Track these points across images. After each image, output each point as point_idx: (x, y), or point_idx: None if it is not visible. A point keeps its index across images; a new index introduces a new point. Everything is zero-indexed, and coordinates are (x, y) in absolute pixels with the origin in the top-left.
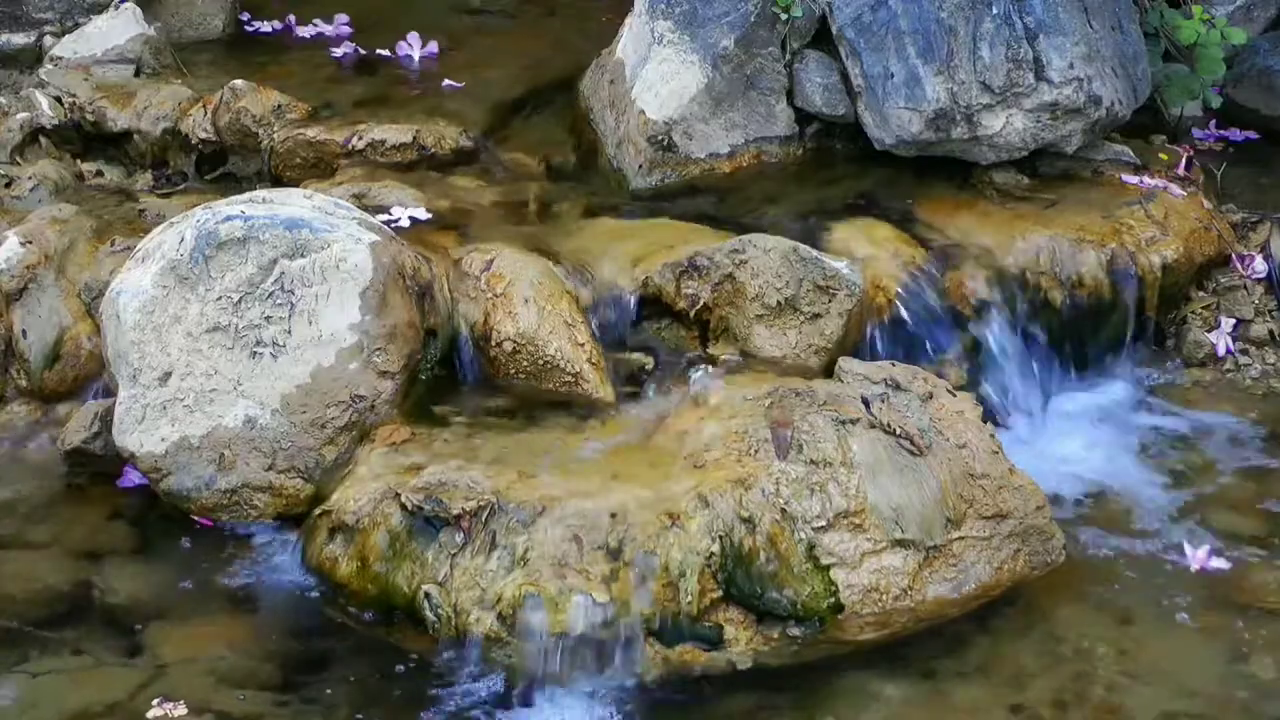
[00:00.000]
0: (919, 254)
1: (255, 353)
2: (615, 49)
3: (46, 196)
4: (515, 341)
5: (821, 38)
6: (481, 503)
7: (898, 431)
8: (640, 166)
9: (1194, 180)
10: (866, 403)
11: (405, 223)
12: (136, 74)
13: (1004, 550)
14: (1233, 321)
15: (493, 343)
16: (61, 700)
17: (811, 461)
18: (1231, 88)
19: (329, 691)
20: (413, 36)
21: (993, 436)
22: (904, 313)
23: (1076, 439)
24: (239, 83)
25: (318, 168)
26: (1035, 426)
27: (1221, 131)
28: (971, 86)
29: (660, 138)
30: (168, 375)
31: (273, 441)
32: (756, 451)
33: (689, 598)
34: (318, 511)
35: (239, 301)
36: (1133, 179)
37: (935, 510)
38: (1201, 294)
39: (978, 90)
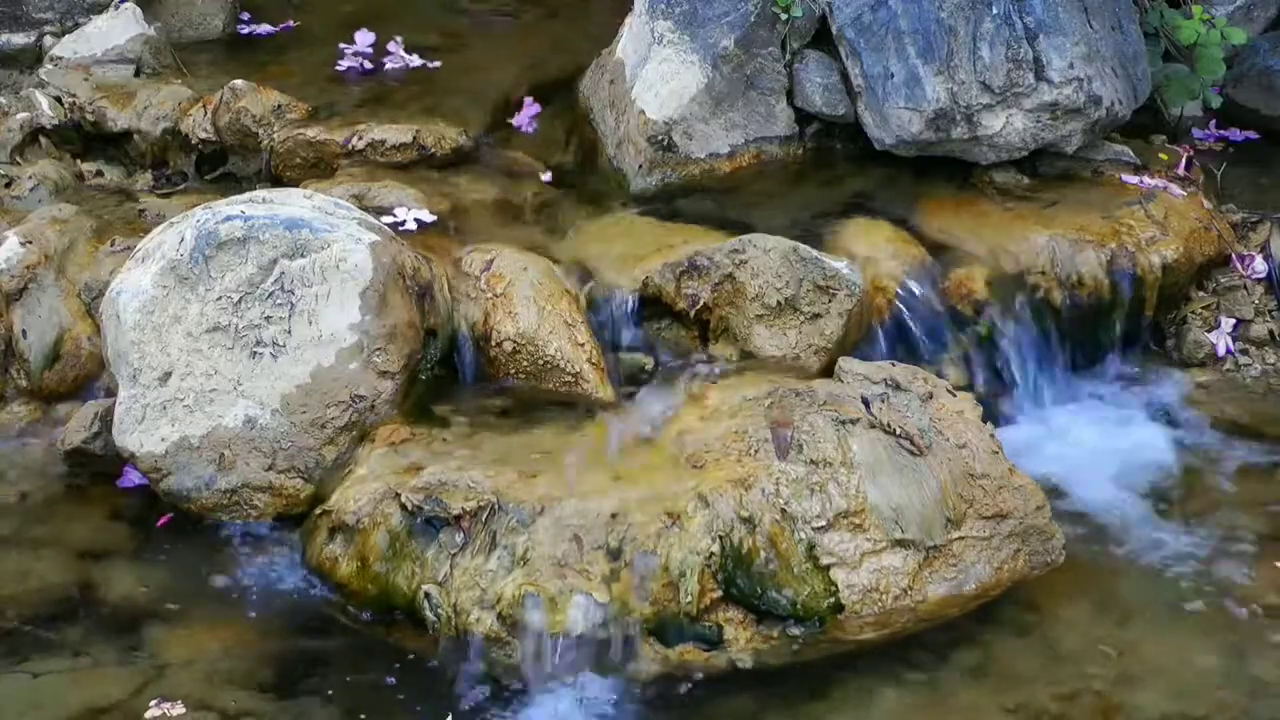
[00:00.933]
0: (919, 254)
1: (255, 353)
2: (615, 49)
3: (46, 196)
4: (515, 341)
5: (821, 38)
6: (481, 503)
7: (898, 431)
8: (640, 166)
9: (1194, 180)
10: (866, 403)
11: (411, 225)
12: (136, 74)
13: (1004, 550)
14: (1233, 321)
15: (493, 343)
16: (61, 700)
17: (811, 461)
18: (1231, 88)
19: (329, 691)
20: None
21: (993, 436)
22: (904, 313)
23: (1076, 439)
24: (239, 83)
25: (318, 168)
26: (1035, 426)
27: (1221, 131)
28: (971, 86)
29: (660, 138)
30: (168, 375)
31: (273, 441)
32: (756, 451)
33: (689, 598)
34: (318, 511)
35: (239, 301)
36: (1133, 179)
37: (935, 510)
38: (1201, 294)
39: (978, 90)
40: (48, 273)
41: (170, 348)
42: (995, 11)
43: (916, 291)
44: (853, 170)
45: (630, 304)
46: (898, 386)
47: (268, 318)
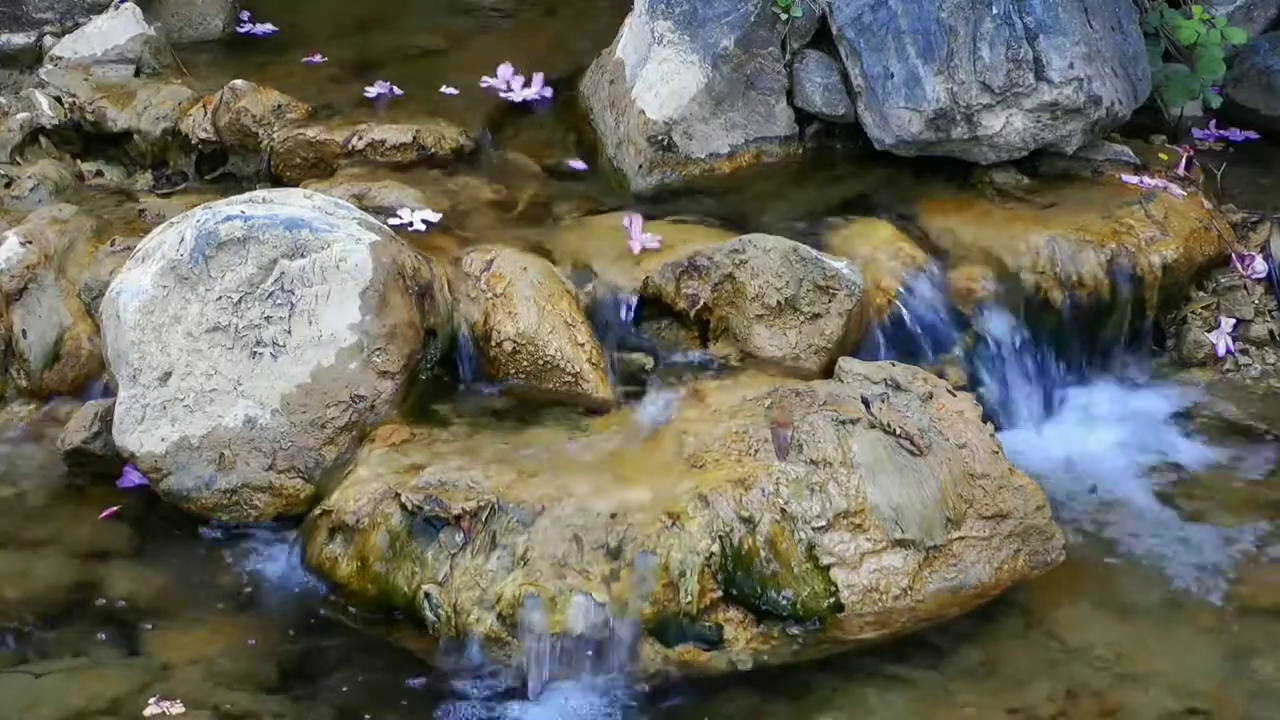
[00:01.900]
0: (919, 254)
1: (255, 353)
2: (615, 49)
3: (46, 196)
4: (515, 341)
5: (821, 38)
6: (481, 503)
7: (898, 431)
8: (640, 166)
9: (1194, 180)
10: (866, 403)
11: (420, 226)
12: (136, 74)
13: (1004, 550)
14: (1233, 321)
15: (493, 343)
16: (61, 700)
17: (811, 461)
18: (1231, 88)
19: (329, 691)
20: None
21: (993, 436)
22: (904, 313)
23: (1076, 439)
24: (239, 83)
25: (318, 168)
26: (1035, 426)
27: (1221, 131)
28: (971, 86)
29: (660, 138)
30: (168, 375)
31: (273, 441)
32: (756, 451)
33: (689, 598)
34: (318, 511)
35: (239, 301)
36: (1133, 179)
37: (935, 510)
38: (1201, 294)
39: (978, 90)
40: (48, 273)
41: (170, 348)
42: (995, 11)
43: (916, 291)
44: (853, 170)
45: (630, 304)
46: (898, 386)
47: (268, 318)
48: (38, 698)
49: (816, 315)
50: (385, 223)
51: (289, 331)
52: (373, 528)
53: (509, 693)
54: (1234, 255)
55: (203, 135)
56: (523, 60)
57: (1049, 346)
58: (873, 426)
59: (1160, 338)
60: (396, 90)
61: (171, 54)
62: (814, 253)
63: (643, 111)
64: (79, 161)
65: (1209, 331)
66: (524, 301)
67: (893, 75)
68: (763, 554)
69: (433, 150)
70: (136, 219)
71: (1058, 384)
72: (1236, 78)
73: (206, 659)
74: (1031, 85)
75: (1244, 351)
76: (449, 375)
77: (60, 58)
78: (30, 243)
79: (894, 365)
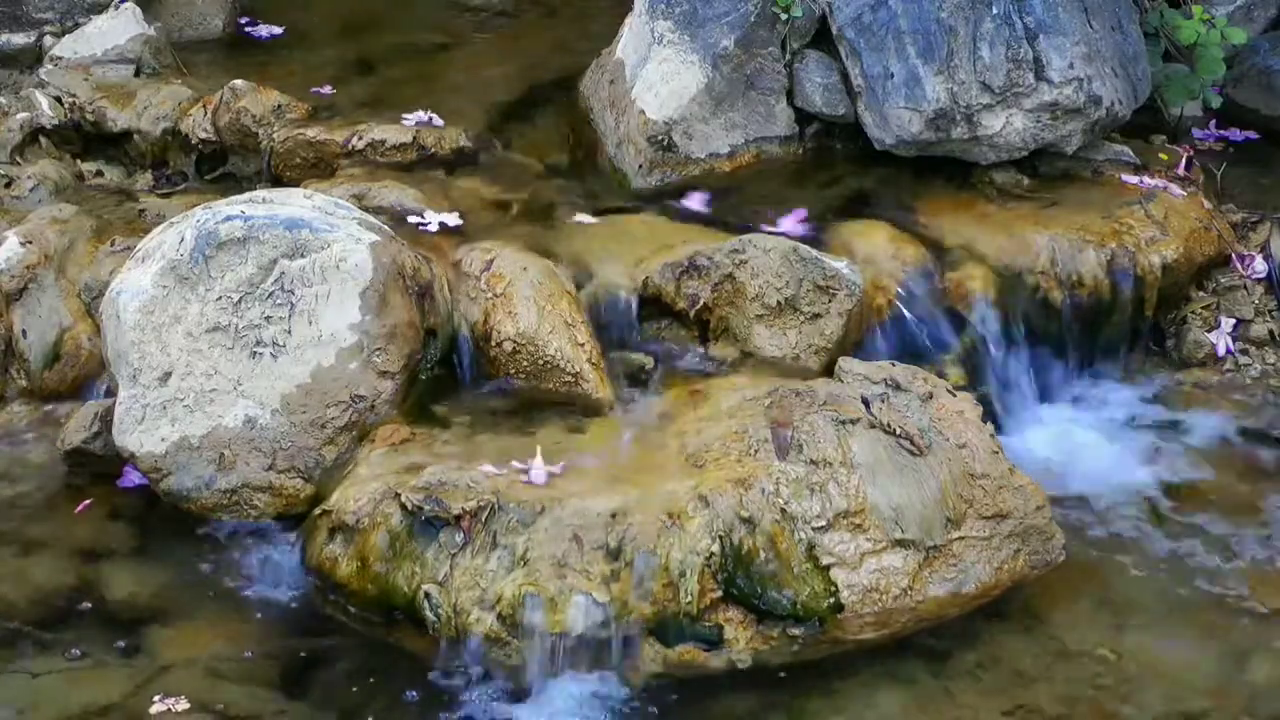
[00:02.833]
0: (919, 254)
1: (255, 353)
2: (615, 49)
3: (46, 196)
4: (515, 341)
5: (821, 38)
6: (481, 503)
7: (898, 431)
8: (640, 166)
9: (1194, 180)
10: (866, 403)
11: (434, 227)
12: (136, 74)
13: (1004, 550)
14: (1233, 321)
15: (493, 342)
16: (61, 700)
17: (811, 461)
18: (1231, 88)
19: (329, 691)
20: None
21: (993, 436)
22: (904, 313)
23: (1076, 439)
24: (239, 83)
25: (318, 168)
26: (1035, 426)
27: (1221, 131)
28: (971, 86)
29: (660, 138)
30: (168, 375)
31: (273, 441)
32: (756, 451)
33: (689, 598)
34: (318, 511)
35: (239, 301)
36: (1133, 179)
37: (935, 510)
38: (1201, 294)
39: (978, 90)
40: (48, 273)
41: (170, 348)
42: (995, 11)
43: (916, 291)
44: (853, 170)
45: (630, 304)
46: (898, 386)
47: (268, 318)
48: (38, 698)
49: (816, 315)
50: (406, 224)
51: (289, 331)
52: (373, 528)
53: (509, 693)
54: (1234, 255)
55: (203, 135)
56: (523, 59)
57: (1049, 346)
58: (873, 426)
59: (1160, 338)
60: (437, 120)
61: (171, 54)
62: (814, 253)
63: (643, 111)
64: (79, 161)
65: (1209, 331)
66: (524, 301)
67: (893, 75)
68: (763, 554)
69: (433, 150)
70: (136, 219)
71: (1058, 384)
72: (1236, 78)
73: (206, 659)
74: (1031, 85)
75: (1244, 351)
76: (449, 375)
77: (60, 58)
78: (30, 243)
79: (894, 365)
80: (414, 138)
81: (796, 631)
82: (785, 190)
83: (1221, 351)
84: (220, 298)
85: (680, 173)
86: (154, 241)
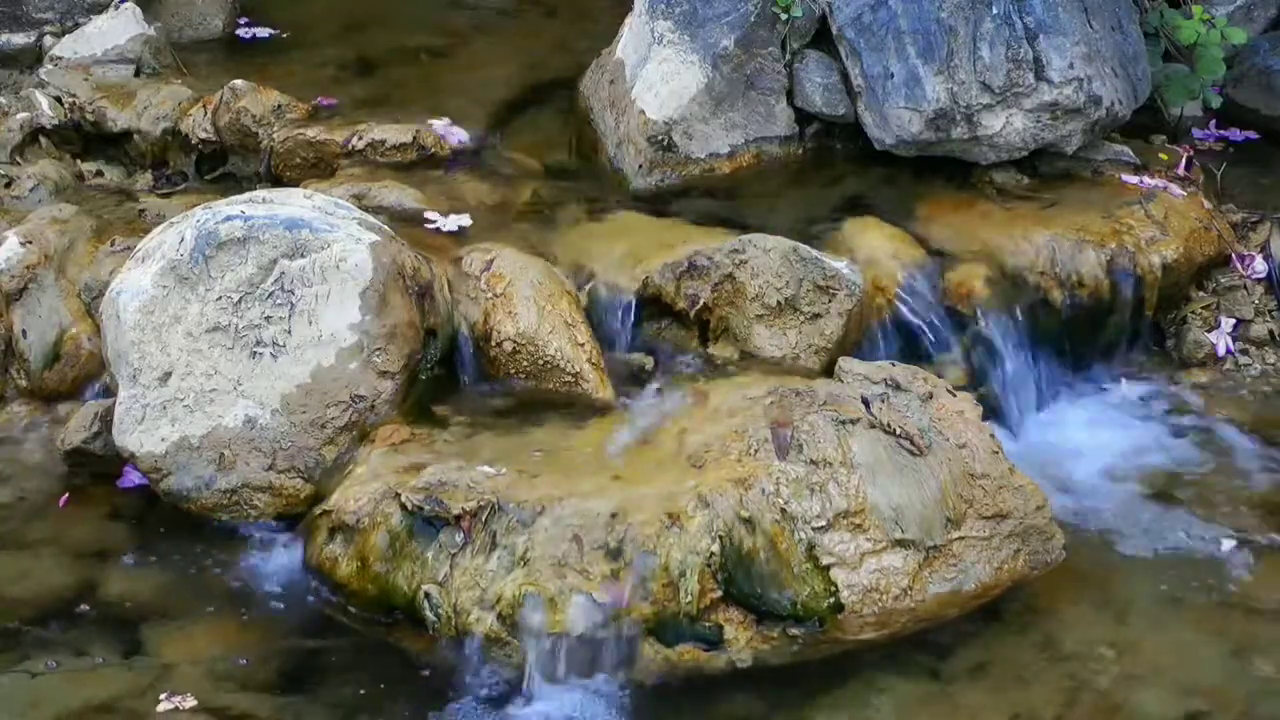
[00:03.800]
0: (919, 254)
1: (255, 353)
2: (615, 49)
3: (46, 196)
4: (515, 341)
5: (821, 38)
6: (481, 503)
7: (898, 431)
8: (640, 166)
9: (1194, 180)
10: (866, 403)
11: (453, 228)
12: (136, 74)
13: (1004, 550)
14: (1233, 321)
15: (493, 343)
16: (62, 700)
17: (811, 461)
18: (1231, 88)
19: (329, 691)
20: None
21: (993, 436)
22: (904, 313)
23: (1076, 439)
24: (239, 83)
25: (318, 168)
26: (1035, 426)
27: (1221, 131)
28: (971, 86)
29: (660, 138)
30: (168, 375)
31: (273, 441)
32: (756, 451)
33: (689, 598)
34: (318, 511)
35: (239, 301)
36: (1133, 179)
37: (935, 510)
38: (1201, 294)
39: (978, 90)
40: (48, 273)
41: (170, 348)
42: (995, 11)
43: (916, 291)
44: (853, 170)
45: (630, 304)
46: (898, 386)
47: (268, 318)
48: (38, 698)
49: (816, 315)
50: (414, 224)
51: (289, 331)
52: (373, 528)
53: (509, 693)
54: (1234, 255)
55: (203, 135)
56: (523, 59)
57: (1049, 346)
58: (873, 426)
59: (1160, 338)
60: (458, 130)
61: (171, 54)
62: (814, 253)
63: (643, 111)
64: (79, 161)
65: (1209, 331)
66: (524, 301)
67: (893, 75)
68: (763, 554)
69: (433, 150)
70: (136, 219)
71: (1058, 384)
72: (1236, 78)
73: (206, 659)
74: (1031, 85)
75: (1244, 351)
76: (449, 375)
77: (60, 58)
78: (30, 243)
79: (894, 365)
80: (414, 138)
81: (796, 631)
82: (785, 190)
83: (1221, 351)
84: (220, 298)
85: (680, 173)
86: (154, 241)
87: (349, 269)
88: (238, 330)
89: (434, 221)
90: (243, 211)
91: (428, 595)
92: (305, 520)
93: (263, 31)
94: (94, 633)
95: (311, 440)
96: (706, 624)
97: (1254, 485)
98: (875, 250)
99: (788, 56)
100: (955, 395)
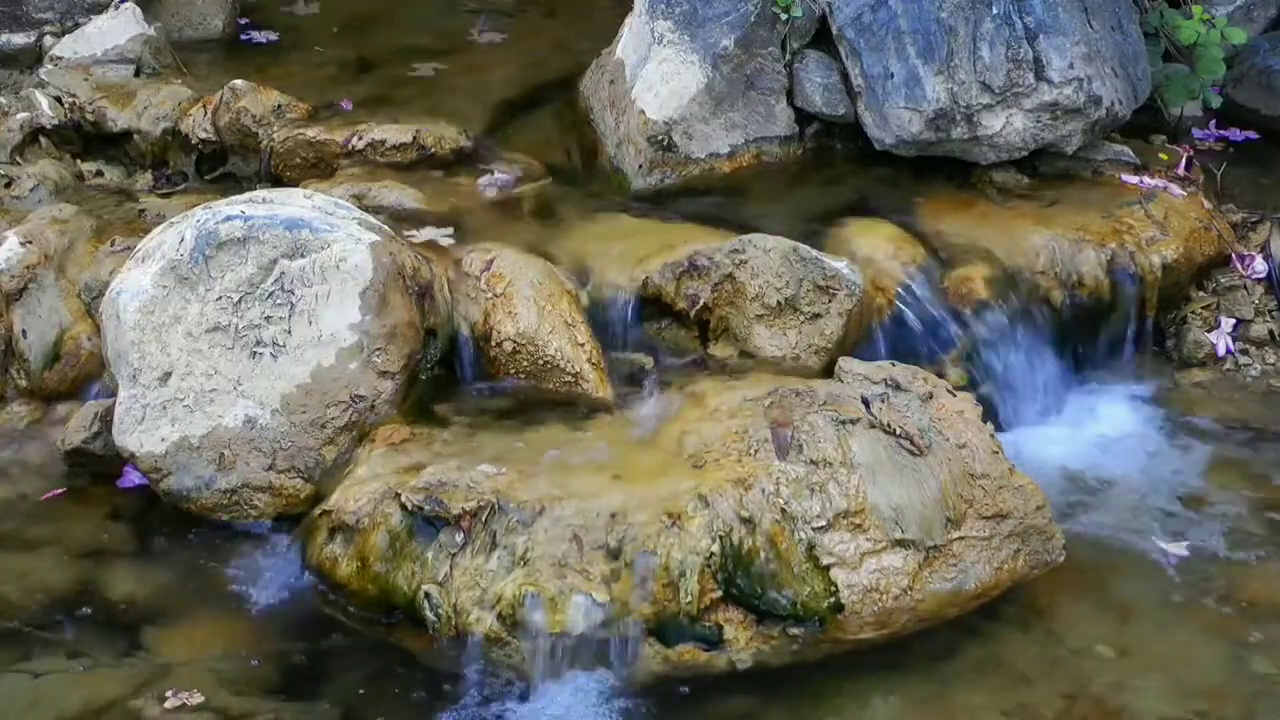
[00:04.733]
0: (919, 254)
1: (255, 353)
2: (615, 49)
3: (46, 196)
4: (515, 341)
5: (821, 38)
6: (481, 503)
7: (898, 431)
8: (640, 166)
9: (1194, 180)
10: (866, 403)
11: (442, 243)
12: (136, 74)
13: (1004, 550)
14: (1233, 321)
15: (493, 343)
16: (62, 700)
17: (811, 461)
18: (1231, 88)
19: (329, 691)
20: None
21: (993, 436)
22: (904, 313)
23: (1076, 438)
24: (239, 83)
25: (318, 168)
26: (1034, 426)
27: (1221, 131)
28: (971, 86)
29: (660, 138)
30: (168, 375)
31: (273, 441)
32: (756, 451)
33: (689, 598)
34: (318, 511)
35: (239, 301)
36: (1133, 179)
37: (935, 510)
38: (1201, 294)
39: (978, 90)
40: (48, 273)
41: (170, 348)
42: (995, 11)
43: (916, 291)
44: (853, 170)
45: (630, 304)
46: (898, 386)
47: (268, 318)
48: (38, 698)
49: (816, 315)
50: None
51: (289, 331)
52: (373, 528)
53: (509, 693)
54: (1234, 255)
55: (203, 135)
56: (523, 59)
57: (1049, 346)
58: (873, 426)
59: (1160, 337)
60: (502, 177)
61: (171, 54)
62: (814, 253)
63: (643, 111)
64: (79, 161)
65: (1209, 331)
66: (524, 301)
67: (893, 75)
68: (763, 554)
69: (433, 150)
70: (136, 219)
71: (1057, 383)
72: (1236, 78)
73: (206, 659)
74: (1031, 85)
75: (1244, 351)
76: (449, 375)
77: (60, 58)
78: (30, 243)
79: (894, 365)
80: (414, 138)
81: (796, 631)
82: (785, 190)
83: (1221, 351)
84: (220, 298)
85: (680, 173)
86: (154, 241)
87: (349, 269)
88: (238, 330)
89: (413, 236)
90: (243, 211)
91: (428, 595)
92: (305, 520)
93: (263, 33)
94: (94, 633)
95: (311, 440)
96: (706, 624)
97: (1254, 485)
98: (875, 250)
99: (788, 56)
100: (955, 395)
